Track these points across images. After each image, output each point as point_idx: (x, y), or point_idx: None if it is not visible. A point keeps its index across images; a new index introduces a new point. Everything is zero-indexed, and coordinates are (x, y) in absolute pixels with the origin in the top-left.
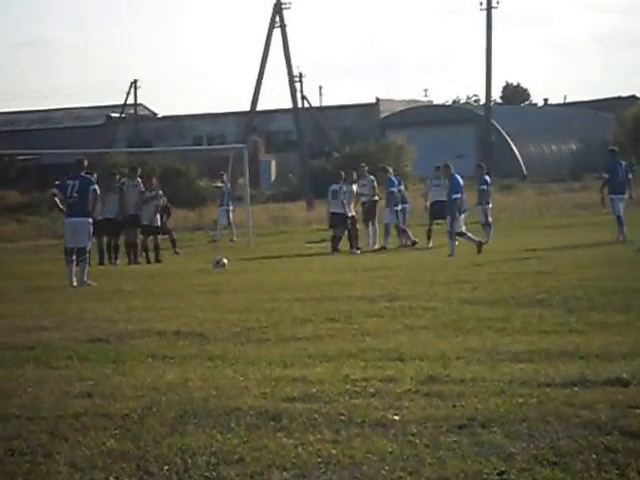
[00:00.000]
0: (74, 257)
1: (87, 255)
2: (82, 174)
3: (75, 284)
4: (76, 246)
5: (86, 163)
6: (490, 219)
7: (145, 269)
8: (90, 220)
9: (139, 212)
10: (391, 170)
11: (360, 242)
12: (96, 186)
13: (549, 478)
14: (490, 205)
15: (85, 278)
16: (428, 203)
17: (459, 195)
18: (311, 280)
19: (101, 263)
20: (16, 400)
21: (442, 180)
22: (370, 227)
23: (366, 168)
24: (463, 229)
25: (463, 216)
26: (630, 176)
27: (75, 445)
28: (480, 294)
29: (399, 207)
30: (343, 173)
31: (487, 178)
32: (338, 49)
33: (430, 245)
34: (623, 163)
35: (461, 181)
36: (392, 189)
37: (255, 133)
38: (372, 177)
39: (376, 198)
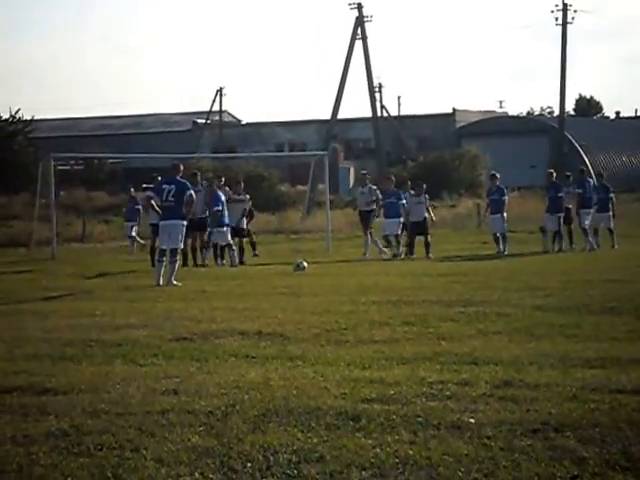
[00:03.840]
0: (164, 258)
1: (179, 256)
2: (178, 178)
3: (162, 283)
4: (169, 247)
5: (182, 167)
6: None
7: (228, 271)
8: (184, 223)
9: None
10: (498, 176)
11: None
12: (192, 191)
13: None
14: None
15: (173, 278)
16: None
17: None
18: (388, 284)
19: (184, 264)
20: (105, 396)
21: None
22: (368, 236)
23: (368, 177)
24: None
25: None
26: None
27: (161, 441)
28: (552, 301)
29: (506, 214)
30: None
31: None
32: (417, 60)
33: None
34: (590, 181)
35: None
36: (504, 197)
37: (335, 141)
38: (374, 187)
39: (374, 207)
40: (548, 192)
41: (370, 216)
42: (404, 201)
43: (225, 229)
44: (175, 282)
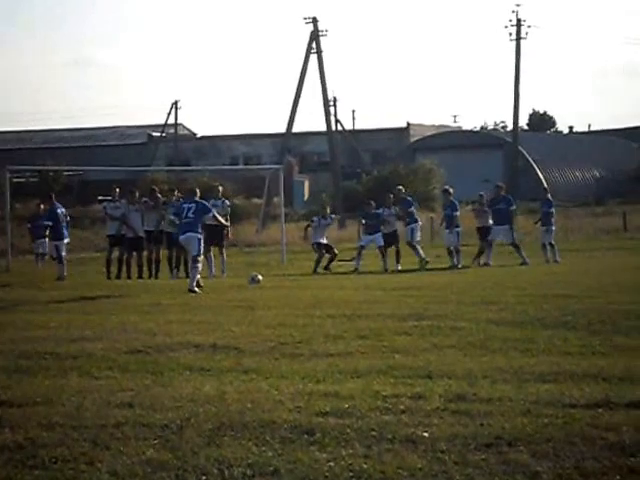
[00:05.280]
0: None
1: (198, 264)
2: (197, 199)
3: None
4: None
5: (198, 192)
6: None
7: (183, 284)
8: (200, 236)
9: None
10: (452, 191)
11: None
12: (215, 212)
13: None
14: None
15: (193, 284)
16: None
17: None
18: (342, 297)
19: (140, 277)
20: (60, 408)
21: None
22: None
23: (220, 188)
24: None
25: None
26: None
27: (116, 454)
28: (506, 315)
29: (459, 229)
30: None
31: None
32: (372, 74)
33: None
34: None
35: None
36: (455, 213)
37: (290, 154)
38: (227, 201)
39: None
40: (445, 209)
41: (223, 232)
42: (385, 212)
43: (59, 243)
44: (195, 289)
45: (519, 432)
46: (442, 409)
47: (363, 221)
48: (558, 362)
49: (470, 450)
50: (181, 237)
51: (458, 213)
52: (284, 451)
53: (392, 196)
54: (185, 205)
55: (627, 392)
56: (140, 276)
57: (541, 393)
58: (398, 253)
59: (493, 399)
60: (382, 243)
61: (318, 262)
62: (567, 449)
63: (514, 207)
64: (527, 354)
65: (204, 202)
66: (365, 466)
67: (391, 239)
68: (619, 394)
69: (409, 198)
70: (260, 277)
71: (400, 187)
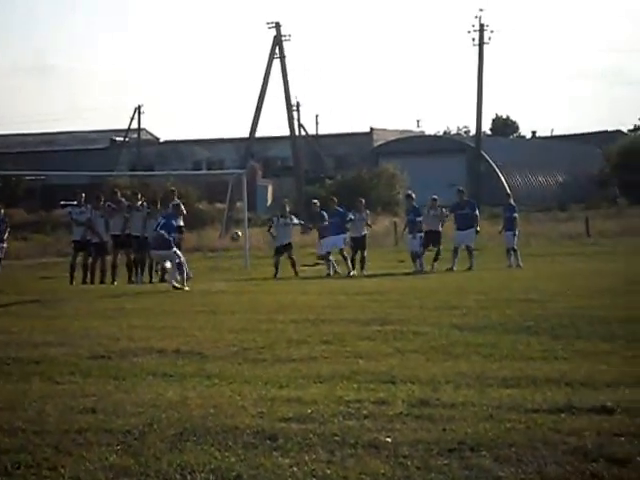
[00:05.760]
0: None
1: (173, 266)
2: (169, 214)
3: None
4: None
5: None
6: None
7: (146, 288)
8: (171, 250)
9: (145, 234)
10: (414, 196)
11: None
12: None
13: None
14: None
15: (177, 283)
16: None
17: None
18: (306, 302)
19: (102, 282)
20: (22, 414)
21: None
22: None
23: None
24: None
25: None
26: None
27: (79, 459)
28: (469, 320)
29: (422, 234)
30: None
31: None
32: (335, 79)
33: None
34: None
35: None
36: (418, 218)
37: (253, 159)
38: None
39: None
40: (408, 215)
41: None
42: (352, 216)
43: None
44: (176, 284)
45: (482, 437)
46: (405, 414)
47: (325, 223)
48: (521, 367)
49: (433, 455)
50: (153, 252)
51: (421, 218)
52: (247, 456)
53: (362, 201)
54: (161, 219)
55: (589, 397)
56: (102, 281)
57: (504, 398)
58: (363, 259)
59: (456, 404)
60: (343, 246)
61: (276, 266)
62: (529, 454)
63: (477, 212)
64: (490, 359)
65: (172, 222)
66: (328, 471)
67: (358, 244)
68: (581, 399)
69: (323, 212)
70: (240, 233)
71: (315, 201)
